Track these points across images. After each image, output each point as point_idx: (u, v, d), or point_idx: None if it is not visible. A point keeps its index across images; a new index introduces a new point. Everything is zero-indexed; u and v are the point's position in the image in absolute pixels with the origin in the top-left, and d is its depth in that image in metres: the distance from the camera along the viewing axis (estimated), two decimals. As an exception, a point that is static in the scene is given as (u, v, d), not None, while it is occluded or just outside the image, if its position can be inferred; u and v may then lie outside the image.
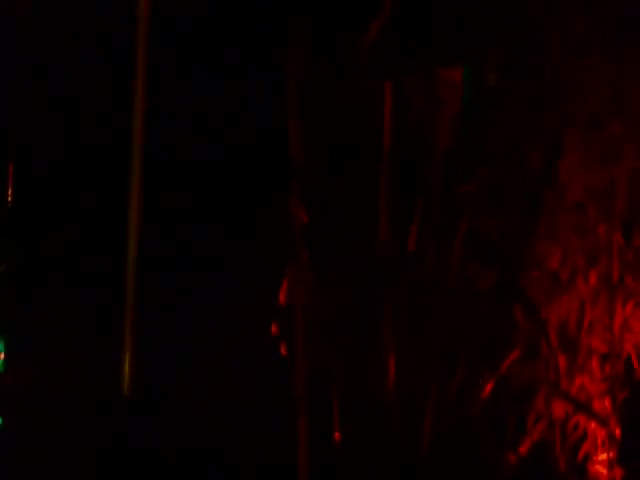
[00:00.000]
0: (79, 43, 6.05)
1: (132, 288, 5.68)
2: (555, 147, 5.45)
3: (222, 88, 5.72)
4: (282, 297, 5.47)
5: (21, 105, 6.58)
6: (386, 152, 5.58)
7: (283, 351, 5.47)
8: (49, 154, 6.35)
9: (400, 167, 5.59)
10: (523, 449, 5.32)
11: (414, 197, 5.47)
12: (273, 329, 5.60)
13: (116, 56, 5.94)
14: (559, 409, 5.31)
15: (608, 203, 5.34)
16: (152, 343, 5.69)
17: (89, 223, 6.10)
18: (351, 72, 5.43)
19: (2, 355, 6.67)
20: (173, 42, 5.80)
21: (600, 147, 5.37)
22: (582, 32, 5.40)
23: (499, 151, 5.48)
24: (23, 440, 5.74)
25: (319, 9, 5.45)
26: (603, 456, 5.26)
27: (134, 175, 5.77)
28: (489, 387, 5.27)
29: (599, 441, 5.26)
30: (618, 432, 5.23)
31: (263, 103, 5.63)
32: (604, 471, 5.24)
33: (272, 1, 5.58)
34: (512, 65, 5.57)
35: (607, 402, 5.28)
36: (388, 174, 5.56)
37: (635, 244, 5.31)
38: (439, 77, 5.73)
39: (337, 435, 5.30)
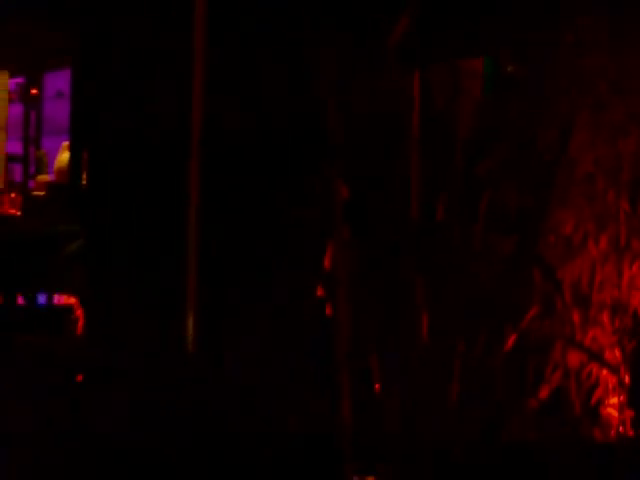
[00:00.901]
0: (143, 40, 6.02)
1: (194, 256, 5.68)
2: (566, 127, 5.40)
3: (267, 78, 5.72)
4: (327, 263, 5.46)
5: (93, 97, 6.62)
6: (415, 134, 5.56)
7: (328, 311, 5.47)
8: (119, 142, 6.38)
9: (428, 147, 5.53)
10: (542, 395, 5.28)
11: (441, 174, 5.42)
12: (319, 292, 5.65)
13: (176, 56, 5.93)
14: (574, 359, 5.28)
15: (615, 174, 5.30)
16: (213, 305, 5.73)
17: (154, 202, 6.11)
18: (383, 62, 5.40)
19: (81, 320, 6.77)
20: (227, 39, 5.76)
21: (607, 127, 5.34)
22: (590, 27, 5.37)
23: (516, 132, 5.45)
24: (101, 396, 5.79)
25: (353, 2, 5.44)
26: (614, 400, 5.23)
27: (193, 159, 5.78)
28: (511, 341, 5.20)
29: (610, 387, 5.23)
30: (627, 379, 5.20)
31: (304, 90, 5.62)
32: (615, 414, 5.22)
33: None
34: (528, 56, 5.56)
35: (617, 352, 5.24)
36: (418, 154, 5.53)
37: (640, 211, 5.27)
38: (462, 67, 5.68)
39: (377, 388, 5.26)
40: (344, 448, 5.03)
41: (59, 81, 9.64)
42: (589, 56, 5.34)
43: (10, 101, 9.52)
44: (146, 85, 6.17)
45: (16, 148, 9.61)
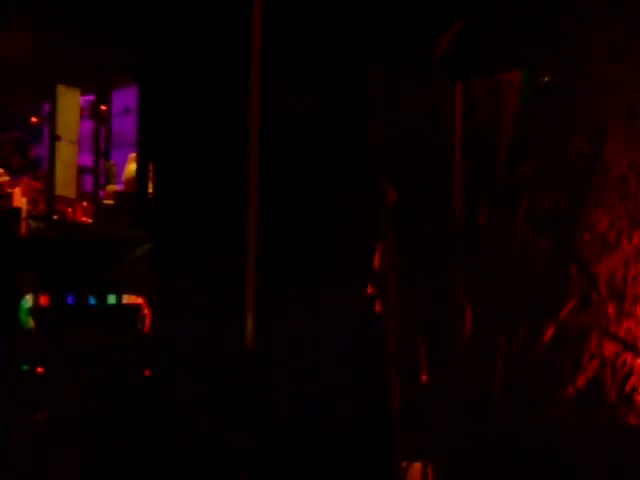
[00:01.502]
0: (203, 55, 6.02)
1: (252, 258, 5.65)
2: (600, 133, 5.46)
3: (320, 85, 5.70)
4: (376, 263, 5.48)
5: (157, 112, 6.68)
6: (458, 142, 5.58)
7: (378, 308, 5.51)
8: (182, 153, 6.44)
9: (470, 154, 5.55)
10: (580, 383, 5.32)
11: (483, 178, 5.45)
12: (369, 290, 5.68)
13: (234, 69, 5.94)
14: (609, 349, 5.32)
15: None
16: (270, 304, 5.70)
17: (215, 209, 6.08)
18: (427, 73, 5.42)
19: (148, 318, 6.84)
20: (281, 48, 5.73)
21: (638, 132, 5.39)
22: (622, 39, 5.42)
23: (553, 138, 5.49)
24: (168, 389, 5.83)
25: (399, 17, 5.48)
26: (648, 388, 5.23)
27: (252, 166, 5.76)
28: (550, 332, 5.25)
29: (644, 375, 5.23)
30: (660, 368, 5.19)
31: (351, 101, 5.65)
32: (649, 400, 5.23)
33: (358, 8, 5.57)
34: (562, 67, 5.60)
35: (650, 342, 5.25)
36: (460, 160, 5.54)
37: (672, 209, 5.27)
38: (501, 79, 5.70)
39: (424, 378, 5.31)
40: (394, 435, 5.07)
41: (126, 98, 9.73)
42: (620, 65, 5.37)
43: (82, 117, 9.63)
44: (206, 100, 6.19)
45: (87, 160, 9.70)
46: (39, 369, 6.58)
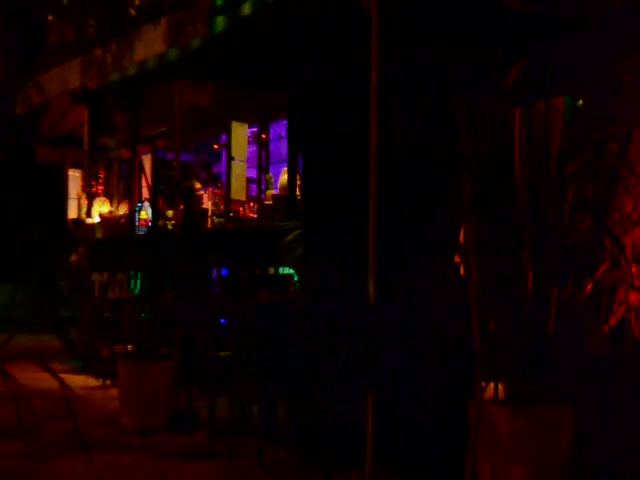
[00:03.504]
0: (330, 92, 6.29)
1: (372, 237, 5.84)
2: (627, 139, 5.62)
3: (423, 110, 5.99)
4: (461, 238, 5.68)
5: (301, 138, 7.03)
6: (518, 150, 5.74)
7: (462, 271, 5.72)
8: (318, 167, 6.71)
9: (529, 158, 5.64)
10: (612, 323, 5.44)
11: (540, 175, 5.52)
12: (456, 259, 5.98)
13: (355, 104, 6.07)
14: (633, 298, 5.44)
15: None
16: (387, 271, 5.89)
17: (344, 204, 6.29)
18: (498, 100, 5.59)
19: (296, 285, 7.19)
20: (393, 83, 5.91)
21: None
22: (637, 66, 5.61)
23: (590, 144, 5.64)
24: (313, 331, 6.05)
25: (481, 61, 5.74)
26: (664, 327, 5.54)
27: (371, 176, 5.89)
28: (590, 286, 5.29)
29: (661, 318, 5.55)
30: (673, 312, 5.51)
31: (444, 120, 5.91)
32: (664, 336, 5.55)
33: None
34: (597, 92, 5.77)
35: (665, 293, 5.58)
36: (520, 163, 5.67)
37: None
38: (551, 102, 5.89)
39: (492, 325, 5.34)
40: (476, 363, 5.25)
41: (279, 128, 10.16)
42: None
43: (249, 143, 10.13)
44: (337, 127, 6.42)
45: (253, 174, 10.21)
46: (223, 321, 6.95)
